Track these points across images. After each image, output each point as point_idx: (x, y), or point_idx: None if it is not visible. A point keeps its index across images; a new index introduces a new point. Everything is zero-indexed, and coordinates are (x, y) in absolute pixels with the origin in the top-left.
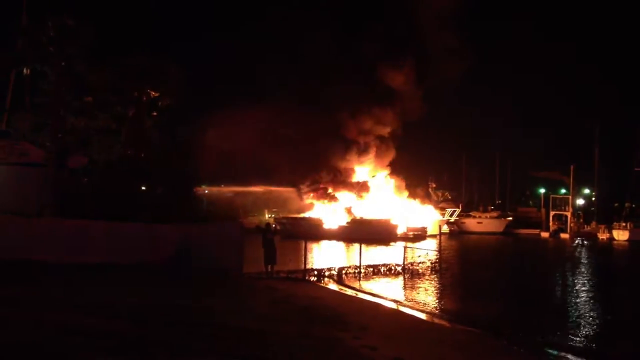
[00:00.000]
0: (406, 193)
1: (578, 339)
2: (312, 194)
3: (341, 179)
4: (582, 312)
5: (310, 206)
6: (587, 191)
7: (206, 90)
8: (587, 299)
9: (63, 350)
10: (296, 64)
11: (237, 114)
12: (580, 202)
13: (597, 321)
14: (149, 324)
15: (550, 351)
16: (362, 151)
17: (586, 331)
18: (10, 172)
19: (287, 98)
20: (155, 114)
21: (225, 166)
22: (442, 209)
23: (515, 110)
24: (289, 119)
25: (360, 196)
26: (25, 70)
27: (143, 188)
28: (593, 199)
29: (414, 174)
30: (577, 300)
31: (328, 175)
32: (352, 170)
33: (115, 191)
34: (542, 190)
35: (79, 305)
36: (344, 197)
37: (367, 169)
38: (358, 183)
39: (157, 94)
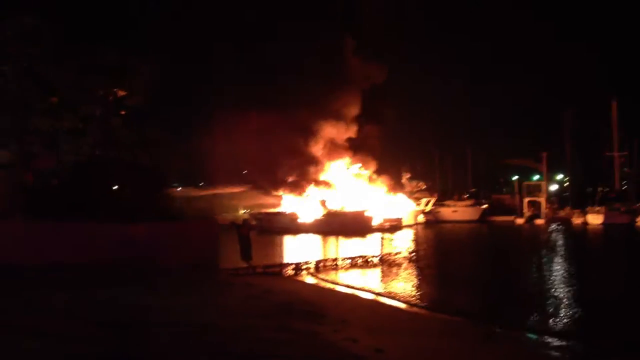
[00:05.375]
0: (381, 184)
1: (557, 321)
2: (285, 189)
3: (311, 172)
4: (559, 295)
5: (282, 201)
6: (560, 177)
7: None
8: (564, 283)
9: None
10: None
11: (209, 113)
12: (553, 187)
13: (575, 303)
14: (129, 326)
15: (531, 335)
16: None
17: (565, 313)
18: None
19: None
20: (123, 112)
21: (198, 166)
22: (417, 199)
23: (487, 96)
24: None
25: (327, 185)
26: None
27: (114, 188)
28: (566, 184)
29: (388, 164)
30: (555, 285)
31: (297, 168)
32: (321, 162)
33: (86, 192)
34: (516, 177)
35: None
36: (317, 190)
37: (342, 162)
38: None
39: (124, 93)
